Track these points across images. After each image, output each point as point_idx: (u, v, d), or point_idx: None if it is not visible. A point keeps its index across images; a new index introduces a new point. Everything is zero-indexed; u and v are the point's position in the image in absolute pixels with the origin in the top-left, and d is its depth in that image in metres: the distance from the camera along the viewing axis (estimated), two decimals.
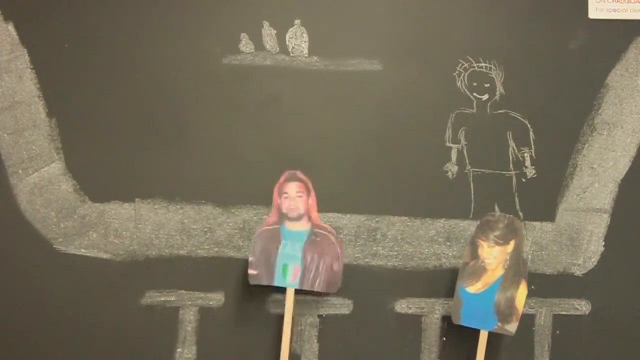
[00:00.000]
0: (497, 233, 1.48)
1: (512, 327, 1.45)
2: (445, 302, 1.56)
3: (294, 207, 1.49)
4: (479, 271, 1.48)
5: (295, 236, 1.49)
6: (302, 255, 1.48)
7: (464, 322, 1.47)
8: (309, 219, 1.50)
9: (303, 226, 1.50)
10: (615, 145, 1.62)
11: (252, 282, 1.48)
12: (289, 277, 1.47)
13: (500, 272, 1.47)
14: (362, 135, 1.62)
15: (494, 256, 1.48)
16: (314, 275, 1.47)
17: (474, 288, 1.47)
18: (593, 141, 1.62)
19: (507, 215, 1.51)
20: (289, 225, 1.50)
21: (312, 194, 1.50)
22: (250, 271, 1.48)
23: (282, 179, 1.50)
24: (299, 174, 1.50)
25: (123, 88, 1.61)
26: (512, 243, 1.48)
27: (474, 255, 1.48)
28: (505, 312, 1.45)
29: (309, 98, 1.62)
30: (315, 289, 1.48)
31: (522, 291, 1.46)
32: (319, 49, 1.63)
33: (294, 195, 1.50)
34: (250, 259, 1.48)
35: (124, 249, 1.57)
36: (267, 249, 1.48)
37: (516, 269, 1.47)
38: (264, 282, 1.48)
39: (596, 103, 1.63)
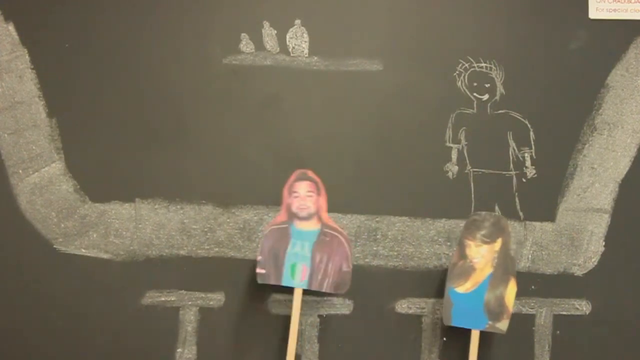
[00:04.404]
0: (483, 232, 1.48)
1: (503, 326, 1.45)
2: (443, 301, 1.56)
3: (304, 207, 1.48)
4: (467, 271, 1.48)
5: (305, 236, 1.47)
6: (311, 255, 1.46)
7: (455, 323, 1.47)
8: (319, 218, 1.48)
9: (313, 226, 1.48)
10: (616, 146, 1.62)
11: (260, 281, 1.46)
12: (298, 277, 1.46)
13: (488, 270, 1.47)
14: (362, 135, 1.62)
15: (481, 255, 1.48)
16: (323, 275, 1.46)
17: (463, 288, 1.47)
18: (593, 141, 1.62)
19: (493, 214, 1.51)
20: (299, 225, 1.48)
21: (323, 193, 1.49)
22: (259, 270, 1.46)
23: (292, 177, 1.49)
24: (310, 174, 1.49)
25: (123, 88, 1.60)
26: (499, 241, 1.48)
27: (462, 255, 1.49)
28: (495, 311, 1.45)
29: (309, 98, 1.62)
30: (324, 290, 1.46)
31: (511, 289, 1.46)
32: (320, 49, 1.63)
33: (304, 195, 1.48)
34: (259, 257, 1.47)
35: (124, 249, 1.57)
36: (275, 248, 1.47)
37: (504, 267, 1.47)
38: (272, 282, 1.46)
39: (596, 103, 1.63)
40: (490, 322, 1.46)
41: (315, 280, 1.46)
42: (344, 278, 1.47)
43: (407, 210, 1.60)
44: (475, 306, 1.46)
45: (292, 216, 1.49)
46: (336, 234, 1.48)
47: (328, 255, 1.47)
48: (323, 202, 1.49)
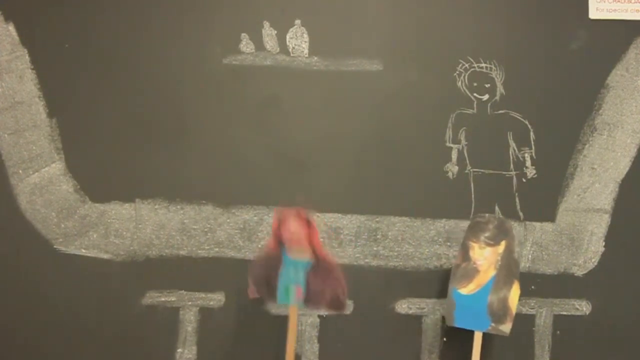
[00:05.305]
0: (487, 234, 1.48)
1: (506, 328, 1.45)
2: (446, 302, 1.56)
3: (296, 240, 1.41)
4: (471, 273, 1.47)
5: (298, 264, 1.42)
6: (305, 279, 1.41)
7: (457, 324, 1.46)
8: (311, 250, 1.42)
9: (305, 256, 1.42)
10: (616, 146, 1.62)
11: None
12: (292, 298, 1.41)
13: (492, 273, 1.47)
14: (362, 135, 1.62)
15: (485, 257, 1.47)
16: (319, 297, 1.40)
17: (466, 290, 1.47)
18: (593, 141, 1.62)
19: (497, 216, 1.51)
20: (291, 254, 1.42)
21: (313, 225, 1.42)
22: (251, 292, 1.43)
23: (276, 217, 1.43)
24: (297, 212, 1.42)
25: (123, 88, 1.60)
26: (503, 244, 1.47)
27: (466, 257, 1.48)
28: (498, 313, 1.45)
29: (309, 98, 1.62)
30: (319, 310, 1.43)
31: (515, 291, 1.45)
32: (320, 49, 1.63)
33: (293, 230, 1.41)
34: (251, 282, 1.43)
35: (124, 249, 1.57)
36: (267, 274, 1.42)
37: (508, 269, 1.46)
38: (267, 301, 1.44)
39: (596, 103, 1.63)
40: (493, 324, 1.45)
41: (311, 300, 1.41)
42: (340, 303, 1.42)
43: (407, 210, 1.60)
44: (479, 308, 1.45)
45: (283, 246, 1.43)
46: (329, 264, 1.42)
47: (322, 280, 1.41)
48: (314, 235, 1.43)
